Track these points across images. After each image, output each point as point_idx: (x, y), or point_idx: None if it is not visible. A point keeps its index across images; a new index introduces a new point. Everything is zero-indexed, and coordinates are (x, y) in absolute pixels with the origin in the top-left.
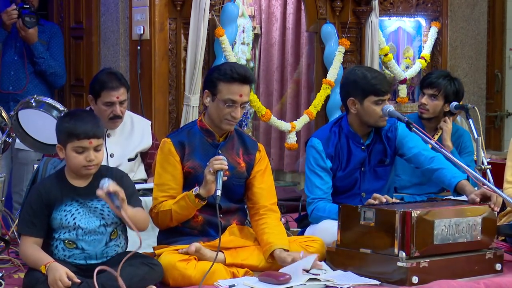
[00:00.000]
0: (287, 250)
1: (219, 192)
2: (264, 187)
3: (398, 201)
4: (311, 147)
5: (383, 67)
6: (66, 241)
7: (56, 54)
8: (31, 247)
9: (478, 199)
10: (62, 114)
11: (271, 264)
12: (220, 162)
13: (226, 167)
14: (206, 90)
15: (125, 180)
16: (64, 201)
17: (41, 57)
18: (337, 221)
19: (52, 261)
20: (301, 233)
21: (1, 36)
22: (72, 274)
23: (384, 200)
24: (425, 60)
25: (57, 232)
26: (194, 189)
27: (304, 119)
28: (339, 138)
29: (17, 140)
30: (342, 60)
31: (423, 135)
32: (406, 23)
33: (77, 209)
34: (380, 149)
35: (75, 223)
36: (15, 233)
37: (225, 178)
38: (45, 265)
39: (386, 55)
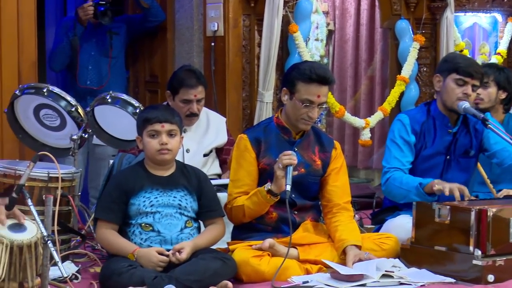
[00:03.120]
0: (360, 247)
1: (288, 187)
2: (339, 185)
3: (474, 198)
4: (398, 121)
5: None
6: (143, 224)
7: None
8: (110, 233)
9: None
10: (138, 110)
11: (344, 261)
12: (289, 157)
13: (295, 162)
14: (284, 88)
15: (208, 183)
16: (145, 188)
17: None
18: (411, 218)
19: (138, 248)
20: (377, 230)
21: (78, 31)
22: (160, 249)
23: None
24: (501, 56)
25: (134, 218)
26: (266, 185)
27: (378, 116)
28: (427, 118)
29: (95, 136)
30: (416, 57)
31: (499, 132)
32: (482, 19)
33: (156, 197)
34: (466, 139)
35: (152, 208)
36: (91, 227)
37: (295, 172)
38: (133, 253)
39: (461, 51)
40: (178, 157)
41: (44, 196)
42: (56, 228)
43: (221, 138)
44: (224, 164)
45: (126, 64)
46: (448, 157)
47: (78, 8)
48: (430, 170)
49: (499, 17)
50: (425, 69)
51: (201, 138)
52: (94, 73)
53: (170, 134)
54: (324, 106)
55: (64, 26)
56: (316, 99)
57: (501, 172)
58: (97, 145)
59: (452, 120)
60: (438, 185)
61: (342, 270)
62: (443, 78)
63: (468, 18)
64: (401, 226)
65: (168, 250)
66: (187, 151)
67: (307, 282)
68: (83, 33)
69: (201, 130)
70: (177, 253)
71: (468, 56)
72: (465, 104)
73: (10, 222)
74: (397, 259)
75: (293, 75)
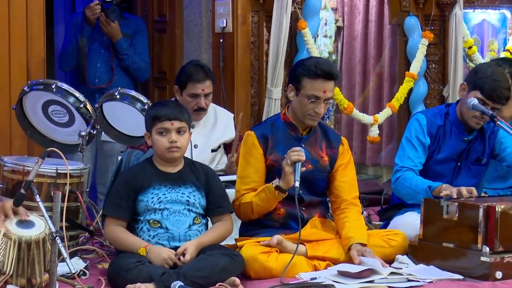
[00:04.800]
0: (365, 245)
1: (297, 184)
2: (346, 181)
3: (484, 195)
4: (415, 120)
5: (467, 60)
6: (151, 221)
7: (140, 49)
8: (119, 230)
9: None
10: (146, 107)
11: (351, 258)
12: (297, 153)
13: (304, 158)
14: (290, 85)
15: (217, 180)
16: (153, 185)
17: (125, 53)
18: (419, 215)
19: (150, 244)
20: (384, 226)
21: (86, 32)
22: (173, 252)
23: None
24: (510, 53)
25: (142, 215)
26: (274, 181)
27: (386, 112)
28: (444, 123)
29: (103, 132)
30: (425, 53)
31: (508, 129)
32: (491, 15)
33: (164, 194)
34: (480, 147)
35: (160, 205)
36: (99, 223)
37: (304, 169)
38: (145, 247)
39: (470, 47)
40: (186, 153)
41: (52, 192)
42: (64, 224)
43: (229, 134)
44: None
45: None
46: (459, 163)
47: (85, 9)
48: (440, 174)
49: (508, 13)
50: (433, 66)
51: (209, 133)
52: (103, 72)
53: (179, 131)
54: (330, 102)
55: (74, 23)
56: (322, 94)
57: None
58: (106, 142)
59: (468, 128)
60: (445, 190)
61: (351, 268)
62: (468, 89)
63: (477, 15)
64: (409, 223)
65: (177, 247)
66: (195, 146)
67: (315, 278)
68: (92, 33)
69: (209, 125)
70: (181, 257)
71: (501, 71)
72: (474, 101)
73: (18, 218)
74: (405, 256)
75: (299, 71)
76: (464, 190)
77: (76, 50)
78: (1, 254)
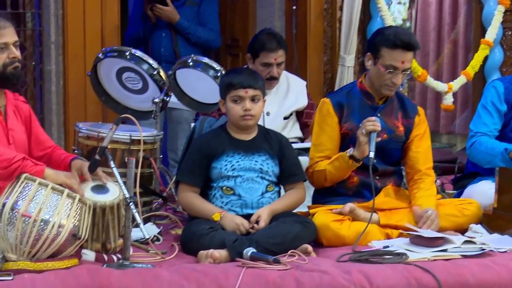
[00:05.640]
0: None
1: (372, 154)
2: (421, 151)
3: None
4: (492, 87)
5: None
6: (224, 188)
7: (208, 17)
8: (193, 196)
9: None
10: (219, 74)
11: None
12: (373, 123)
13: (379, 128)
14: (368, 53)
15: (290, 148)
16: (227, 152)
17: (188, 32)
18: (493, 184)
19: (225, 211)
20: (457, 195)
21: (146, 30)
22: (246, 221)
23: None
24: None
25: (216, 181)
26: (348, 150)
27: (461, 80)
28: None
29: (170, 99)
30: (501, 20)
31: None
32: None
33: (238, 161)
34: None
35: (234, 172)
36: (173, 190)
37: (379, 139)
38: (220, 213)
39: None
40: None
41: (126, 158)
42: (138, 190)
43: (302, 101)
44: (305, 128)
45: None
46: None
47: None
48: None
49: None
50: (510, 33)
51: (281, 101)
52: (168, 40)
53: (254, 99)
54: (408, 72)
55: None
56: (400, 65)
57: None
58: (173, 109)
59: None
60: None
61: (425, 233)
62: None
63: None
64: (483, 192)
65: (249, 215)
66: (268, 113)
67: (388, 247)
68: (153, 28)
69: (282, 93)
70: (255, 225)
71: None
72: None
73: (93, 184)
74: (479, 225)
75: (377, 40)
76: None
77: (140, 38)
78: (77, 219)
